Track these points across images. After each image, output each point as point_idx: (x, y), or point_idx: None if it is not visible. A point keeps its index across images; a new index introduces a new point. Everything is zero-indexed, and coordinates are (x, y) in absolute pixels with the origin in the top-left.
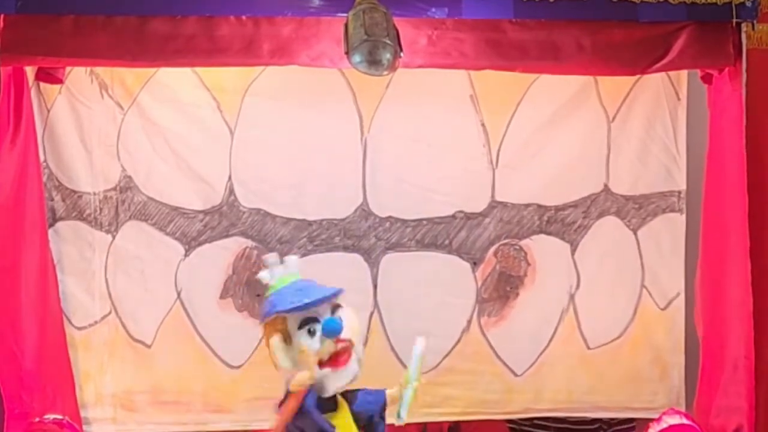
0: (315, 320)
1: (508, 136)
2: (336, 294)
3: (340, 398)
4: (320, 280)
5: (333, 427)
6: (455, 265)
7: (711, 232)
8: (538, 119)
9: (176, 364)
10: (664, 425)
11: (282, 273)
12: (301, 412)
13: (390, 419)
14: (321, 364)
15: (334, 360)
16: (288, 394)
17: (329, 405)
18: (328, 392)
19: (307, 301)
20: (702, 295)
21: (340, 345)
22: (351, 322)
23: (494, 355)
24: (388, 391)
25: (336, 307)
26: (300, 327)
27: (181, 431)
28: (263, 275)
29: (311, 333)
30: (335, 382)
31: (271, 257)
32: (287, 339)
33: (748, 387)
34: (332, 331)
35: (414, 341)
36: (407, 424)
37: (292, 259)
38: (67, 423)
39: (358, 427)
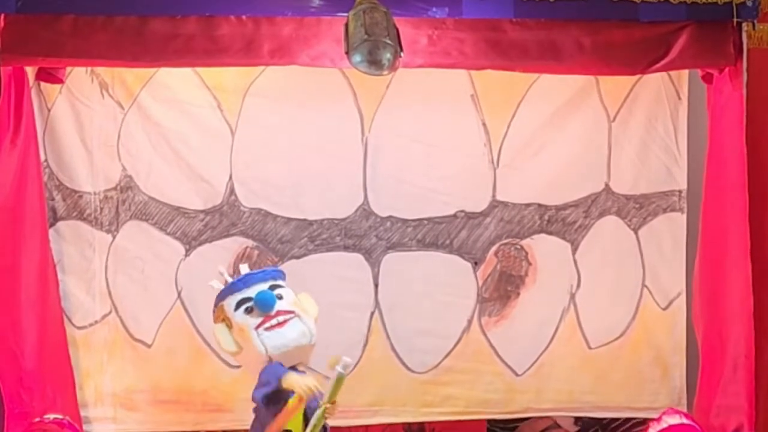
0: (249, 299)
1: (508, 135)
2: (269, 274)
3: None
4: (321, 279)
5: None
6: (456, 265)
7: (711, 231)
8: (538, 119)
9: (176, 363)
10: (664, 425)
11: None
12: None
13: None
14: (256, 327)
15: (265, 320)
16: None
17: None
18: (270, 353)
19: (232, 280)
20: (700, 295)
21: (281, 316)
22: (292, 297)
23: (495, 355)
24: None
25: (275, 287)
26: (236, 308)
27: (180, 430)
28: (213, 284)
29: (248, 311)
30: (272, 341)
31: (221, 268)
32: (230, 325)
33: (748, 386)
34: (264, 301)
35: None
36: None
37: (244, 267)
38: (67, 423)
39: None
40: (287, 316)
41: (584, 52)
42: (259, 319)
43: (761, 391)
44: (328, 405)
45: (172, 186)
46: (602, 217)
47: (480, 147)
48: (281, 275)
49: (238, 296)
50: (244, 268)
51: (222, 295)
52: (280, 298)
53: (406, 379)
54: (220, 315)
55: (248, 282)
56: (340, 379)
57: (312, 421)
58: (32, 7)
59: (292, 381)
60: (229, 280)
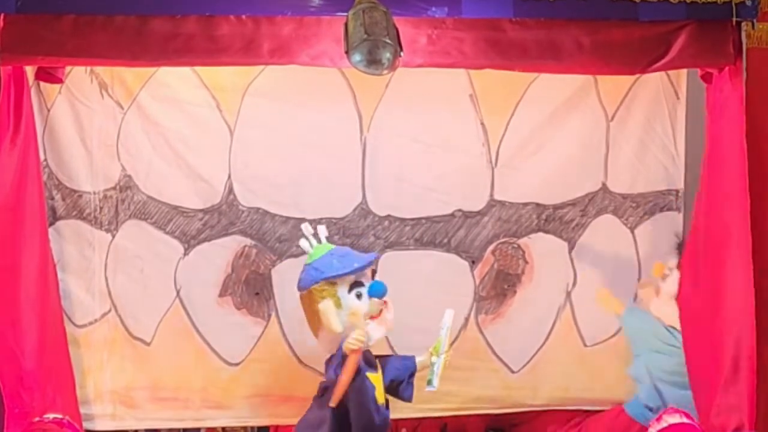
0: (361, 284)
1: (507, 135)
2: (376, 259)
3: (377, 362)
4: None
5: (374, 387)
6: (454, 264)
7: (708, 231)
8: (537, 118)
9: (175, 361)
10: (664, 424)
11: (317, 242)
12: (357, 371)
13: (420, 387)
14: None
15: (378, 314)
16: (341, 355)
17: (368, 365)
18: (371, 343)
19: (357, 266)
20: (698, 295)
21: (385, 306)
22: None
23: (491, 352)
24: (417, 359)
25: (374, 272)
26: (349, 291)
27: (179, 427)
28: (303, 244)
29: (359, 296)
30: (376, 334)
31: (306, 227)
32: (337, 303)
33: (750, 386)
34: (381, 292)
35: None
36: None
37: (322, 228)
38: (67, 422)
39: (387, 390)
40: (383, 307)
41: (584, 52)
42: (369, 309)
43: (762, 390)
44: (449, 353)
45: (171, 185)
46: (599, 216)
47: (478, 146)
48: (378, 257)
49: (352, 278)
50: (322, 230)
51: (335, 274)
52: None
53: None
54: (325, 292)
55: (363, 268)
56: (449, 330)
57: (438, 371)
58: (32, 6)
59: (346, 344)
60: (323, 240)
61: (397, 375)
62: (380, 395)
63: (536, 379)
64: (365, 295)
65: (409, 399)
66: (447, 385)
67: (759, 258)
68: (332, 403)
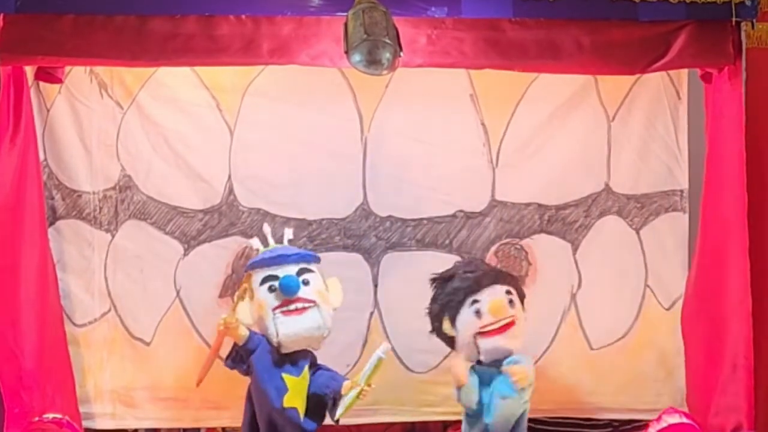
0: (275, 278)
1: (508, 135)
2: (302, 257)
3: (306, 368)
4: None
5: (285, 389)
6: None
7: (710, 231)
8: (538, 118)
9: (175, 361)
10: (663, 424)
11: (271, 241)
12: (250, 367)
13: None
14: (273, 309)
15: (284, 304)
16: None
17: (291, 366)
18: (280, 338)
19: (264, 257)
20: (695, 294)
21: (300, 303)
22: (319, 287)
23: None
24: (344, 383)
25: (304, 271)
26: (261, 283)
27: (179, 427)
28: (253, 242)
29: (272, 290)
30: (286, 328)
31: (265, 227)
32: (251, 295)
33: (748, 386)
34: (288, 287)
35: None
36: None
37: (287, 231)
38: (66, 422)
39: (312, 403)
40: (307, 305)
41: (583, 52)
42: (278, 302)
43: (761, 390)
44: (365, 387)
45: (171, 185)
46: (603, 217)
47: (479, 146)
48: (314, 259)
49: (267, 272)
50: (289, 233)
51: (252, 265)
52: (306, 284)
53: (405, 378)
54: (245, 283)
55: (280, 261)
56: (378, 364)
57: (346, 401)
58: (32, 6)
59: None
60: (272, 243)
61: (321, 391)
62: (292, 399)
63: (541, 383)
64: (278, 289)
65: (334, 420)
66: (450, 388)
67: (756, 257)
68: (196, 383)
